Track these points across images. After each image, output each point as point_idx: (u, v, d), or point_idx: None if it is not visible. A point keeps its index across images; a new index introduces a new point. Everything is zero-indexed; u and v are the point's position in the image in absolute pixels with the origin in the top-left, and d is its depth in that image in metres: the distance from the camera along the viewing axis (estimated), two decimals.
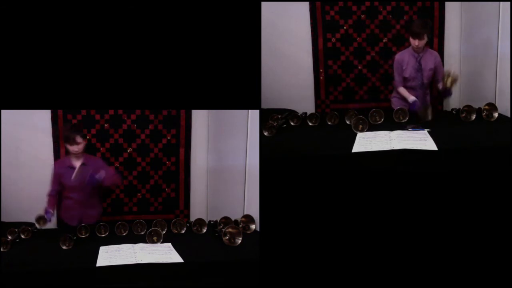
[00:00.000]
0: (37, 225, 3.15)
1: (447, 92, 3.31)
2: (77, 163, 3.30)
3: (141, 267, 2.43)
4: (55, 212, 3.36)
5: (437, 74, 3.46)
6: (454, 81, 3.20)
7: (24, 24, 2.86)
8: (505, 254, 2.54)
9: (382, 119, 3.09)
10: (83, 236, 3.00)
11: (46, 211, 3.23)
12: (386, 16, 4.03)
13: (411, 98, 3.38)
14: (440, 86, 3.37)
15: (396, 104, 3.51)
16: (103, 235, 3.07)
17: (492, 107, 3.09)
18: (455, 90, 3.77)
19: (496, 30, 3.38)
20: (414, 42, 3.35)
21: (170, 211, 4.14)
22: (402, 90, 3.48)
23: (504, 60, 3.29)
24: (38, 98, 2.90)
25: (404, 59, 3.45)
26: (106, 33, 2.89)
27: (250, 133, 3.26)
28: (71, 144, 3.22)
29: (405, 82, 3.49)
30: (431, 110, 3.27)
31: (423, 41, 3.35)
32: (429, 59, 3.44)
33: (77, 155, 3.29)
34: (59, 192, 3.36)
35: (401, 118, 3.08)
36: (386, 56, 4.10)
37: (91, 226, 3.09)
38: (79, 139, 3.22)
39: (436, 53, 3.52)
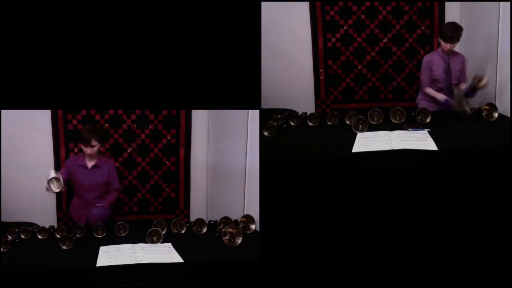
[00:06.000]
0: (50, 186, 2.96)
1: (471, 93, 3.27)
2: (89, 163, 3.34)
3: (141, 267, 2.43)
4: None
5: (462, 75, 3.52)
6: (483, 85, 3.16)
7: (24, 24, 2.86)
8: (505, 254, 2.54)
9: (381, 120, 3.09)
10: (100, 236, 3.01)
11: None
12: (386, 16, 4.03)
13: (442, 97, 3.45)
14: (463, 86, 3.36)
15: (424, 106, 3.52)
16: (122, 235, 3.08)
17: (492, 107, 3.09)
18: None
19: (496, 30, 3.39)
20: (446, 46, 3.41)
21: (170, 211, 4.14)
22: (430, 91, 3.53)
23: (504, 60, 3.29)
24: (38, 98, 2.90)
25: (433, 60, 3.48)
26: (106, 33, 2.89)
27: (250, 133, 3.26)
28: (85, 146, 3.24)
29: (433, 84, 3.53)
30: (465, 101, 3.16)
31: (455, 45, 3.42)
32: (457, 61, 3.50)
33: (90, 156, 3.32)
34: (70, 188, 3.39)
35: (398, 118, 3.08)
36: (386, 56, 4.10)
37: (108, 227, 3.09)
38: (94, 142, 3.23)
39: (463, 55, 3.57)
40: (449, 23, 3.58)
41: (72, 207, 3.44)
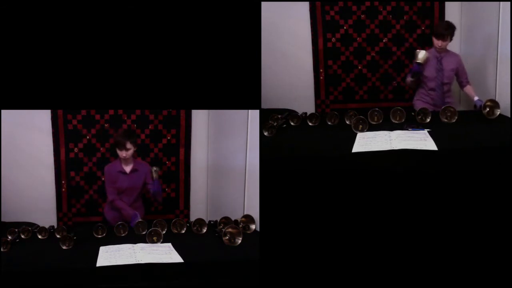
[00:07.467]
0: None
1: (416, 67, 3.48)
2: (127, 168, 3.39)
3: (141, 267, 2.43)
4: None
5: (459, 75, 3.54)
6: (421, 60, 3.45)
7: (24, 24, 2.86)
8: (505, 254, 2.54)
9: (381, 120, 3.08)
10: (100, 236, 3.01)
11: (132, 216, 3.25)
12: (386, 16, 4.03)
13: (408, 78, 3.58)
14: (476, 98, 3.41)
15: (419, 107, 3.54)
16: (122, 235, 3.07)
17: (494, 103, 3.08)
18: (457, 91, 3.79)
19: (496, 30, 3.39)
20: (438, 43, 3.44)
21: (170, 211, 4.14)
22: (407, 79, 3.61)
23: (504, 60, 3.29)
24: (38, 98, 2.90)
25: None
26: (106, 33, 2.89)
27: (250, 133, 3.25)
28: (120, 149, 3.30)
29: (425, 82, 3.55)
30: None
31: (446, 42, 3.44)
32: (451, 60, 3.51)
33: (126, 160, 3.37)
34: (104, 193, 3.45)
35: (398, 118, 3.08)
36: (386, 56, 4.10)
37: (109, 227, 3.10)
38: (128, 145, 3.29)
39: (458, 55, 3.58)
40: (443, 21, 3.69)
41: (107, 211, 3.47)
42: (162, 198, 3.77)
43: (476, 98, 3.41)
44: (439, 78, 3.50)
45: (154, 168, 3.34)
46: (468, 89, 3.55)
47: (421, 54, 3.44)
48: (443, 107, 3.10)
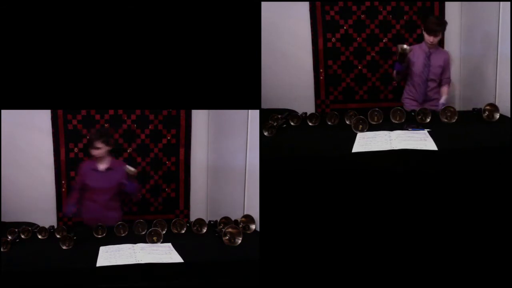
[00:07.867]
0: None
1: (398, 64, 3.45)
2: (101, 166, 3.40)
3: (141, 267, 2.43)
4: (76, 207, 3.45)
5: (444, 72, 3.54)
6: (402, 52, 3.37)
7: (24, 24, 2.86)
8: (505, 254, 2.54)
9: (381, 120, 3.08)
10: (100, 236, 3.01)
11: (67, 206, 3.43)
12: (386, 16, 4.03)
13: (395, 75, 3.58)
14: (443, 98, 3.45)
15: (408, 105, 3.54)
16: (122, 235, 3.07)
17: (493, 107, 3.07)
18: (455, 90, 3.79)
19: (496, 30, 3.39)
20: (429, 39, 3.44)
21: (170, 211, 4.14)
22: (395, 73, 3.59)
23: (504, 60, 3.29)
24: (38, 98, 2.90)
25: (414, 53, 3.48)
26: (106, 33, 2.89)
27: (250, 133, 3.25)
28: (91, 148, 3.33)
29: (411, 77, 3.55)
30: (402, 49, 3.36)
31: (438, 38, 3.44)
32: (439, 56, 3.52)
33: (100, 159, 3.37)
34: (81, 193, 3.43)
35: (398, 118, 3.08)
36: (386, 56, 4.10)
37: (109, 227, 3.09)
38: (99, 144, 3.31)
39: (446, 52, 3.59)
40: (433, 16, 3.68)
41: (84, 212, 3.46)
42: (138, 196, 3.90)
43: (443, 100, 3.45)
44: (425, 74, 3.50)
45: (128, 168, 3.35)
46: (444, 88, 3.55)
47: (402, 51, 3.37)
48: (443, 107, 3.10)
